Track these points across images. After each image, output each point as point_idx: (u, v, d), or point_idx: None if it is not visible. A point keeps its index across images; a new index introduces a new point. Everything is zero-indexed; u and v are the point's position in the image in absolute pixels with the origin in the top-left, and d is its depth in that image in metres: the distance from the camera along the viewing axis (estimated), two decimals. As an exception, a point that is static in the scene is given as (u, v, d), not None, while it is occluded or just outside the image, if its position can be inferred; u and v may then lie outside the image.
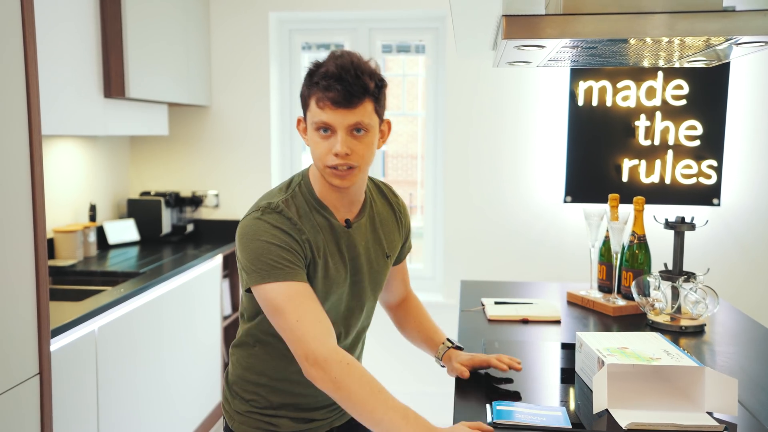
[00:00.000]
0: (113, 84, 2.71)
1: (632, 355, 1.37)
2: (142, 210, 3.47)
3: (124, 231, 3.38)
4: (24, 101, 1.69)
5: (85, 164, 3.26)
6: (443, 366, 1.59)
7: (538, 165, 3.49)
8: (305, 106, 1.34)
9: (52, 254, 2.92)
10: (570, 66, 1.67)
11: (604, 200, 2.21)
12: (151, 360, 2.60)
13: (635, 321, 2.03)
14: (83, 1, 2.61)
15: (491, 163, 3.51)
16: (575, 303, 2.23)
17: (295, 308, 1.26)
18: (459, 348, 1.58)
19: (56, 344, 1.98)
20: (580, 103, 3.38)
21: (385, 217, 1.52)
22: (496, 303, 2.15)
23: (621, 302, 2.12)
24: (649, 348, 1.42)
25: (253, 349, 1.46)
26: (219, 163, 3.69)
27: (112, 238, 3.31)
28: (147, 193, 3.58)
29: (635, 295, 1.99)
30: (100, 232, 3.30)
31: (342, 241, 1.40)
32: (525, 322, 2.01)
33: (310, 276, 1.35)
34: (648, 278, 1.98)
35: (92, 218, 3.22)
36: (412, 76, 4.09)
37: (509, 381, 1.50)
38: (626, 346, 1.43)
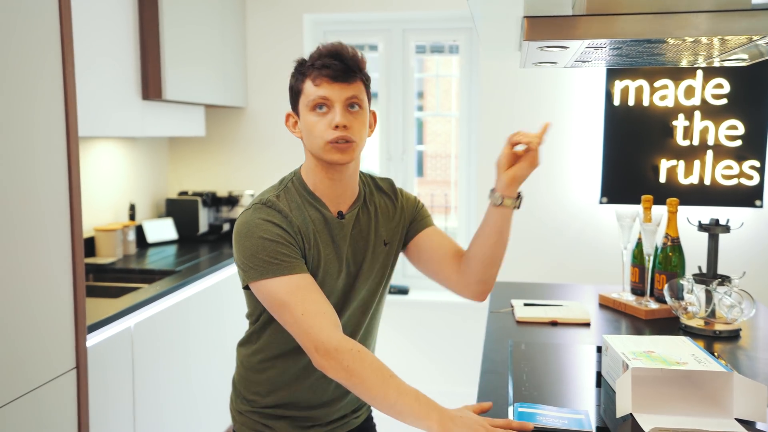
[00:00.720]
0: (151, 86, 2.78)
1: (658, 359, 1.35)
2: (179, 209, 3.55)
3: (162, 230, 3.46)
4: (62, 104, 1.75)
5: (125, 165, 3.34)
6: (498, 199, 1.41)
7: (573, 165, 3.45)
8: (297, 93, 1.37)
9: (92, 252, 3.01)
10: (598, 66, 1.65)
11: (640, 201, 2.18)
12: (185, 356, 2.66)
13: (668, 325, 1.99)
14: (122, 6, 2.68)
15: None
16: (607, 306, 2.20)
17: (299, 301, 1.27)
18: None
19: (94, 339, 2.05)
20: (617, 102, 3.33)
21: (383, 206, 1.50)
22: (526, 305, 2.14)
23: (653, 305, 2.08)
24: (676, 352, 1.39)
25: (255, 347, 1.47)
26: (255, 163, 3.75)
27: (151, 237, 3.39)
28: (185, 193, 3.66)
29: (668, 299, 1.96)
30: (140, 231, 3.39)
31: (335, 233, 1.40)
32: (554, 324, 1.99)
33: (308, 266, 1.36)
34: (681, 281, 1.95)
35: (132, 217, 3.31)
36: (446, 76, 4.09)
37: (533, 384, 1.50)
38: (653, 349, 1.41)
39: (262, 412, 1.47)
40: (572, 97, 3.41)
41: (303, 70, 1.36)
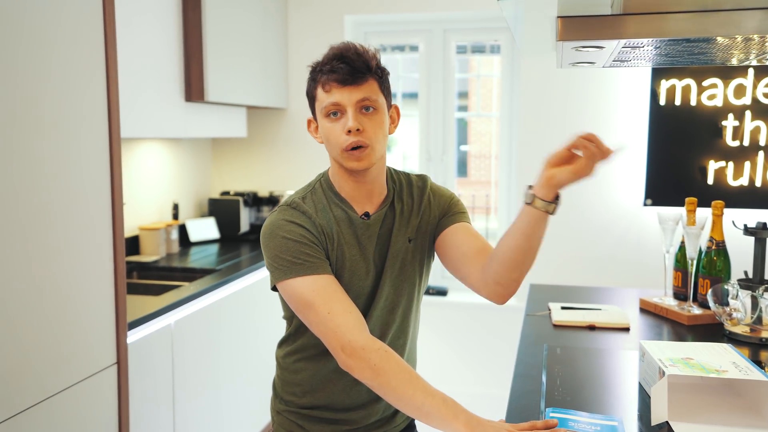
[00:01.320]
0: (193, 88, 2.84)
1: (696, 366, 1.31)
2: (221, 209, 3.61)
3: (204, 229, 3.53)
4: (105, 107, 1.80)
5: (170, 165, 3.42)
6: (530, 197, 1.29)
7: (617, 166, 3.38)
8: (312, 99, 1.36)
9: (137, 250, 3.08)
10: (638, 66, 1.61)
11: None
12: (223, 354, 2.70)
13: (711, 331, 1.93)
14: (167, 11, 2.74)
15: (567, 165, 3.43)
16: (648, 310, 2.15)
17: (324, 301, 1.27)
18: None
19: (135, 336, 2.10)
20: (662, 102, 3.25)
21: (410, 203, 1.45)
22: (563, 308, 2.10)
23: (697, 311, 2.02)
24: (716, 359, 1.35)
25: (290, 348, 1.47)
26: (295, 163, 3.78)
27: (194, 236, 3.46)
28: (227, 193, 3.72)
29: (711, 304, 1.90)
30: (183, 230, 3.46)
31: (360, 233, 1.39)
32: (591, 328, 1.95)
33: (332, 268, 1.35)
34: (726, 286, 1.89)
35: (175, 217, 3.38)
36: (487, 76, 4.05)
37: (567, 389, 1.47)
38: (691, 356, 1.37)
39: (299, 412, 1.47)
40: (617, 97, 3.35)
41: (315, 76, 1.34)
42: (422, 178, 1.52)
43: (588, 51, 1.28)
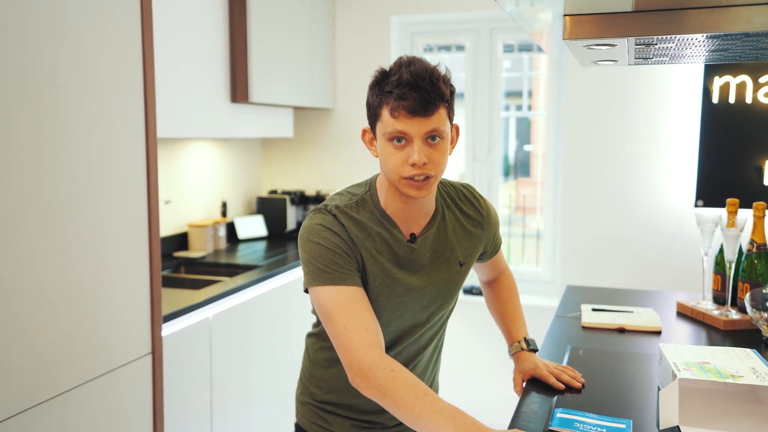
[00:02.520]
0: (238, 90, 2.92)
1: (712, 371, 1.28)
2: (269, 207, 3.70)
3: (252, 226, 3.62)
4: (142, 108, 1.88)
5: (220, 164, 3.53)
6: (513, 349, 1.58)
7: (666, 166, 3.28)
8: (375, 116, 1.30)
9: (185, 246, 3.20)
10: (664, 63, 1.58)
11: (743, 204, 2.07)
12: (260, 348, 2.77)
13: (748, 337, 1.87)
14: (214, 14, 2.83)
15: (615, 164, 3.36)
16: (685, 314, 2.09)
17: (343, 314, 1.25)
18: (533, 350, 1.54)
19: (174, 327, 2.19)
20: (715, 100, 3.14)
21: (462, 225, 1.44)
22: (594, 310, 2.07)
23: (735, 315, 1.96)
24: (735, 364, 1.31)
25: (322, 344, 1.48)
26: (342, 163, 3.84)
27: (242, 233, 3.56)
28: (274, 192, 3.81)
29: (749, 309, 1.83)
30: (232, 228, 3.56)
31: (403, 256, 1.36)
32: (621, 331, 1.92)
33: (365, 282, 1.33)
34: (765, 291, 1.82)
35: (223, 214, 3.48)
36: (536, 75, 4.00)
37: (582, 390, 1.46)
38: (709, 360, 1.33)
39: (322, 407, 1.49)
40: (667, 95, 3.25)
41: (381, 92, 1.27)
42: (472, 191, 1.50)
43: (600, 49, 1.26)
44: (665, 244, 3.31)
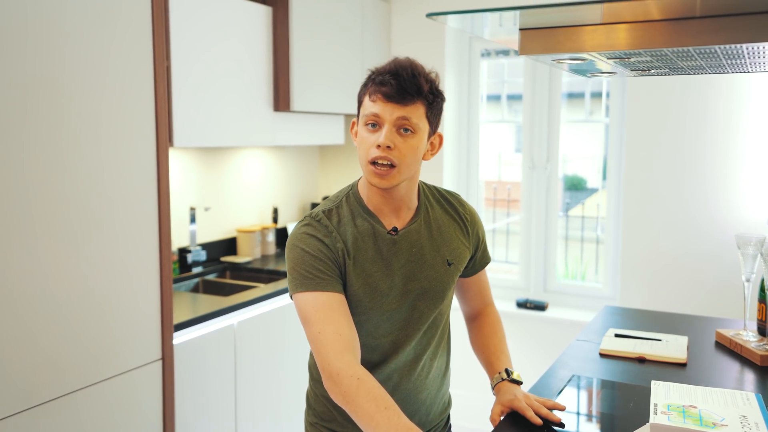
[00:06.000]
0: (281, 99, 2.96)
1: (694, 416, 1.15)
2: (323, 214, 3.72)
3: (305, 232, 3.65)
4: (153, 119, 1.94)
5: (273, 171, 3.58)
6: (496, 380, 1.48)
7: (740, 178, 3.02)
8: (359, 104, 1.37)
9: (234, 251, 3.28)
10: (665, 75, 1.44)
11: None
12: (286, 358, 2.76)
13: (786, 374, 1.68)
14: (258, 25, 2.88)
15: (681, 175, 3.13)
16: (723, 345, 1.91)
17: (319, 320, 1.27)
18: (516, 382, 1.45)
19: (193, 334, 2.23)
20: (793, 106, 2.85)
21: (445, 225, 1.45)
22: (617, 335, 1.93)
23: (775, 349, 1.76)
24: (724, 410, 1.17)
25: None
26: (397, 170, 3.80)
27: (294, 239, 3.60)
28: (327, 198, 3.83)
29: (788, 343, 1.65)
30: (285, 234, 3.61)
31: (385, 248, 1.37)
32: (641, 360, 1.77)
33: (349, 284, 1.34)
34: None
35: (275, 220, 3.54)
36: (598, 80, 3.80)
37: (560, 426, 1.35)
38: (696, 404, 1.20)
39: (329, 426, 1.47)
40: (741, 103, 2.99)
41: (367, 82, 1.35)
42: (457, 197, 1.53)
43: (569, 62, 1.17)
44: (737, 265, 3.05)
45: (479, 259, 1.55)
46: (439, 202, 1.48)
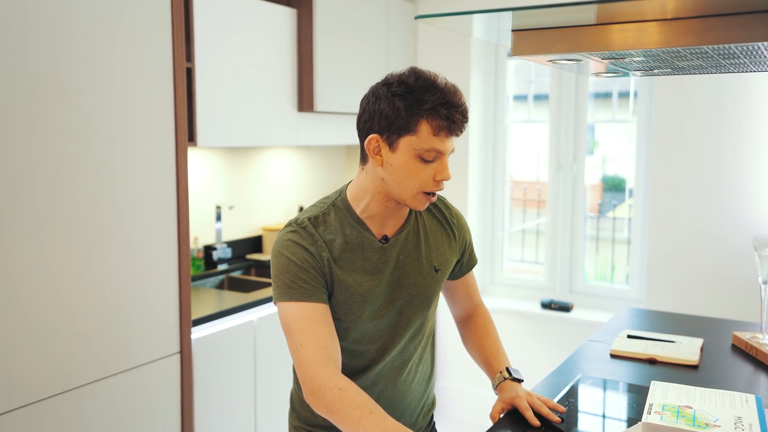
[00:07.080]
0: (304, 100, 3.01)
1: (687, 416, 1.15)
2: (348, 213, 3.76)
3: (331, 231, 3.70)
4: (172, 119, 2.00)
5: (300, 170, 3.64)
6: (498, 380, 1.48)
7: (768, 179, 2.96)
8: (404, 129, 1.25)
9: (260, 249, 3.34)
10: (669, 75, 1.43)
11: None
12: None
13: (800, 379, 1.65)
14: (283, 27, 2.93)
15: (708, 176, 3.07)
16: (740, 348, 1.88)
17: (301, 331, 1.26)
18: (517, 380, 1.46)
19: (213, 329, 2.29)
20: (826, 105, 2.78)
21: (433, 231, 1.44)
22: (629, 336, 1.92)
23: (791, 353, 1.73)
24: (720, 411, 1.17)
25: None
26: (423, 170, 3.81)
27: (320, 238, 3.65)
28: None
29: (802, 347, 1.62)
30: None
31: (375, 257, 1.35)
32: (652, 362, 1.76)
33: (336, 292, 1.33)
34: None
35: (301, 219, 3.59)
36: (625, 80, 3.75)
37: (560, 425, 1.36)
38: (692, 405, 1.20)
39: (313, 430, 1.46)
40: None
41: (416, 106, 1.23)
42: (443, 200, 1.51)
43: (567, 63, 1.18)
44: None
45: (466, 261, 1.54)
46: (427, 207, 1.44)
